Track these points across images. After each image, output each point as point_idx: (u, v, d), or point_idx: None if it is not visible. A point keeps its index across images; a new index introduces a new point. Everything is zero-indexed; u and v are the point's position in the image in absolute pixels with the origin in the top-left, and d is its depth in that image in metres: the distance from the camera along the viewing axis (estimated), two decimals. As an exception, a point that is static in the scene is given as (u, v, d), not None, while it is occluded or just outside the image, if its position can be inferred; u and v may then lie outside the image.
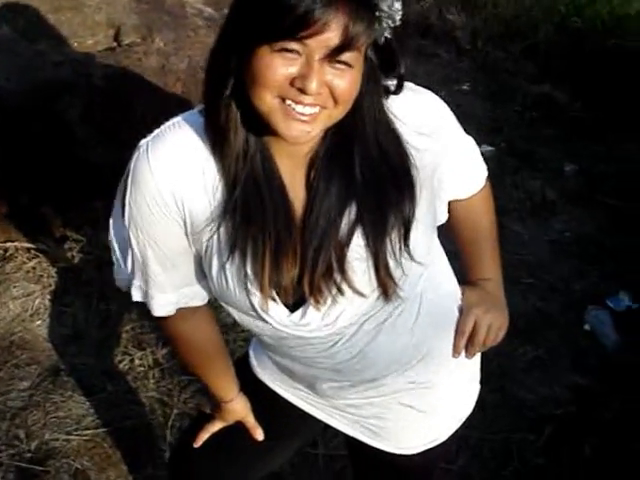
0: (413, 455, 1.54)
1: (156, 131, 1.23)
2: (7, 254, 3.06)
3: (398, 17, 1.13)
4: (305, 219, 1.23)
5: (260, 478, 1.70)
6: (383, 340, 1.38)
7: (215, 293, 1.33)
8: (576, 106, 4.19)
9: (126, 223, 1.27)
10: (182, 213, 1.24)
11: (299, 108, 1.10)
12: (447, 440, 1.56)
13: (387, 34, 1.14)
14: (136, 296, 1.37)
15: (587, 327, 2.91)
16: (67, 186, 2.97)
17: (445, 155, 1.35)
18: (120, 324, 2.78)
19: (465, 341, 1.50)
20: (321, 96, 1.10)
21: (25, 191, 2.94)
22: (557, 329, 2.91)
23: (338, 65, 1.09)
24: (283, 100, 1.10)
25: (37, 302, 2.89)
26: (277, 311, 1.29)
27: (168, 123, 1.24)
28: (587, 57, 4.34)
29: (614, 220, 3.45)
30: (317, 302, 1.27)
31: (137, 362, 2.65)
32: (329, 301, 1.27)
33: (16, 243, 3.03)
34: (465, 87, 4.45)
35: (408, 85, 1.27)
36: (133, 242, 1.29)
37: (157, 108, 2.94)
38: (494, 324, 1.51)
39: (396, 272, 1.27)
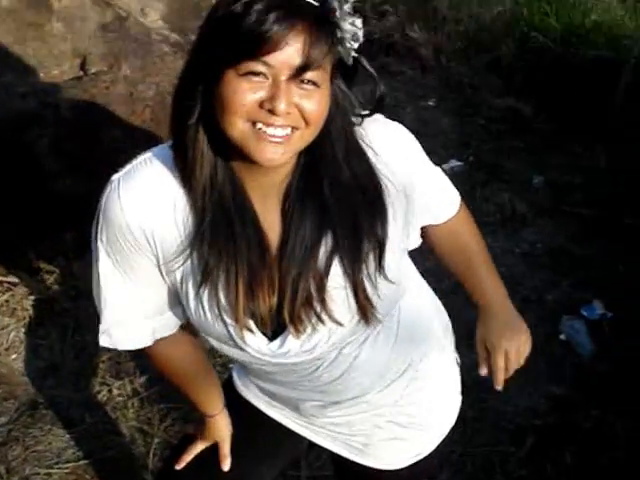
0: (398, 470, 1.55)
1: (127, 167, 1.24)
2: (-21, 288, 3.03)
3: (361, 35, 1.14)
4: (281, 249, 1.24)
5: None
6: (364, 359, 1.39)
7: (194, 323, 1.33)
8: (541, 118, 4.24)
9: (95, 257, 1.28)
10: (153, 249, 1.24)
11: (270, 130, 1.11)
12: (431, 453, 1.57)
13: (354, 54, 1.15)
14: (104, 341, 1.37)
15: (562, 337, 2.94)
16: (37, 218, 2.96)
17: (415, 183, 1.36)
18: (97, 354, 2.76)
19: (504, 374, 1.55)
20: (291, 116, 1.11)
21: (-4, 224, 2.93)
22: (533, 340, 2.92)
23: (305, 85, 1.11)
24: (254, 124, 1.11)
25: (12, 335, 2.87)
26: (255, 340, 1.30)
27: (139, 159, 1.24)
28: (548, 69, 4.39)
29: (583, 229, 3.49)
30: (297, 331, 1.28)
31: (115, 392, 2.63)
32: (309, 330, 1.28)
33: (-12, 276, 3.00)
34: (431, 103, 4.49)
35: (378, 117, 1.29)
36: (102, 275, 1.29)
37: (126, 136, 2.94)
38: (521, 347, 1.57)
39: (374, 296, 1.28)
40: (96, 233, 1.26)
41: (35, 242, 3.03)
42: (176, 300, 1.34)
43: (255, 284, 1.23)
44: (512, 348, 1.55)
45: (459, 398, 1.63)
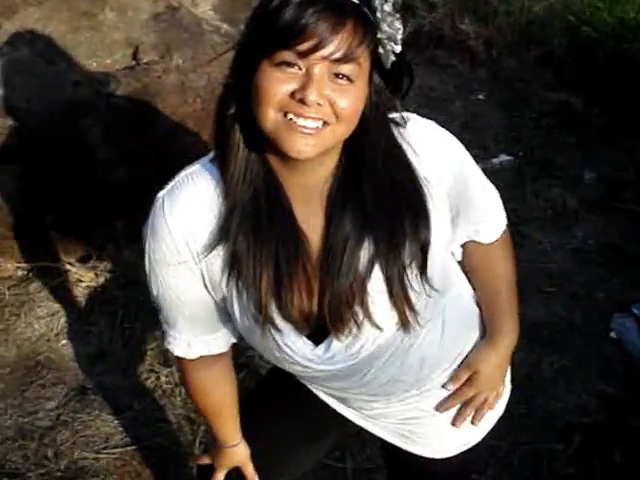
0: (446, 459, 1.55)
1: (171, 183, 1.27)
2: (31, 274, 3.07)
3: (400, 37, 1.15)
4: (323, 250, 1.26)
5: None
6: (411, 363, 1.40)
7: (243, 335, 1.38)
8: (593, 112, 4.18)
9: (147, 273, 1.31)
10: (199, 265, 1.27)
11: (301, 121, 1.12)
12: (479, 444, 1.57)
13: (393, 57, 1.17)
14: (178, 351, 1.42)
15: (613, 335, 2.89)
16: (89, 206, 2.99)
17: (461, 190, 1.35)
18: (145, 342, 2.79)
19: (457, 403, 1.51)
20: (322, 109, 1.12)
21: (49, 211, 2.96)
22: (582, 337, 2.90)
23: (339, 80, 1.12)
24: (285, 115, 1.12)
25: (62, 321, 2.91)
26: (300, 346, 1.31)
27: (182, 174, 1.27)
28: (601, 63, 4.33)
29: (636, 227, 3.43)
30: (339, 332, 1.28)
31: (163, 379, 2.65)
32: (352, 333, 1.29)
33: (40, 263, 3.04)
34: (481, 97, 4.45)
35: (425, 122, 1.30)
36: (154, 290, 1.33)
37: (177, 126, 2.96)
38: (491, 399, 1.53)
39: (417, 303, 1.28)
40: (146, 250, 1.30)
41: (86, 230, 3.06)
42: (225, 320, 1.37)
43: (284, 282, 1.24)
44: (489, 394, 1.53)
45: (509, 387, 1.62)
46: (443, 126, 1.34)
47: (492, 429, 1.59)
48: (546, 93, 4.38)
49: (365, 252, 1.23)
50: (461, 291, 1.49)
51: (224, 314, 1.36)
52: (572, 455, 2.45)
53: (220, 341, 1.41)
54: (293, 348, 1.31)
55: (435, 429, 1.53)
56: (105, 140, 2.93)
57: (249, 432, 1.58)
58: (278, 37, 1.09)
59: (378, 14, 1.13)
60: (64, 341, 2.84)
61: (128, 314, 2.87)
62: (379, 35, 1.14)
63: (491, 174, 1.46)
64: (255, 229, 1.22)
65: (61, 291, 3.02)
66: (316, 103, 1.11)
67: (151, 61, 3.11)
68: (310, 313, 1.28)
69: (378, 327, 1.28)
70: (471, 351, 1.49)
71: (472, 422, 1.54)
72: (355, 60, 1.11)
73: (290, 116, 1.12)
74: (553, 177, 3.77)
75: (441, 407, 1.50)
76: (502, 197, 1.49)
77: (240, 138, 1.20)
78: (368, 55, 1.14)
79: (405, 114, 1.27)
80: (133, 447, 2.46)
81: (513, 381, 1.64)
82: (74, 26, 3.11)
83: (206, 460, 1.65)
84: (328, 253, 1.24)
